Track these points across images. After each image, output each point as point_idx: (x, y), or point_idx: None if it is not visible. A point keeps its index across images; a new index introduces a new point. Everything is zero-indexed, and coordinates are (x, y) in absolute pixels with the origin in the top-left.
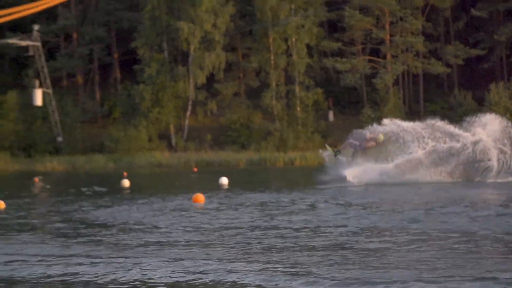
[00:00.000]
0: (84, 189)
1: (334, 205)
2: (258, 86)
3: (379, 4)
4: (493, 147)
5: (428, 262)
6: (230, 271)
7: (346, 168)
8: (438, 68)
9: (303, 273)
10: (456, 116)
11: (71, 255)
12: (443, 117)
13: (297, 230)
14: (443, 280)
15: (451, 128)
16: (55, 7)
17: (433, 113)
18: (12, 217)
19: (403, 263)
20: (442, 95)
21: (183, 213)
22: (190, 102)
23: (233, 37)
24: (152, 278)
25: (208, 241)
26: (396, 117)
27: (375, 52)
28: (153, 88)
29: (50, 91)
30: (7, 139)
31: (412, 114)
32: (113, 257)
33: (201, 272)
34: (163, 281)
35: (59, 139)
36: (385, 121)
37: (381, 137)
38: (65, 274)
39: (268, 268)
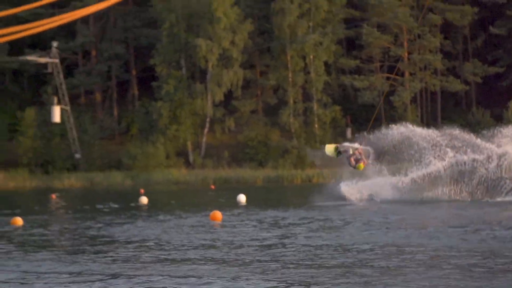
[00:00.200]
0: (101, 206)
1: (352, 222)
2: (276, 103)
3: (397, 22)
4: None
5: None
6: None
7: (358, 183)
8: (456, 85)
9: None
10: (474, 134)
11: (87, 273)
12: None
13: (315, 247)
14: None
15: (472, 137)
16: (73, 24)
17: None
18: (29, 233)
19: (423, 281)
20: (460, 113)
21: (200, 229)
22: (208, 119)
23: (251, 54)
24: None
25: (225, 257)
26: None
27: (393, 70)
28: (171, 105)
29: (68, 108)
30: (25, 155)
31: None
32: (130, 275)
33: None
34: None
35: (77, 155)
36: (394, 126)
37: (361, 166)
38: None
39: (283, 286)
